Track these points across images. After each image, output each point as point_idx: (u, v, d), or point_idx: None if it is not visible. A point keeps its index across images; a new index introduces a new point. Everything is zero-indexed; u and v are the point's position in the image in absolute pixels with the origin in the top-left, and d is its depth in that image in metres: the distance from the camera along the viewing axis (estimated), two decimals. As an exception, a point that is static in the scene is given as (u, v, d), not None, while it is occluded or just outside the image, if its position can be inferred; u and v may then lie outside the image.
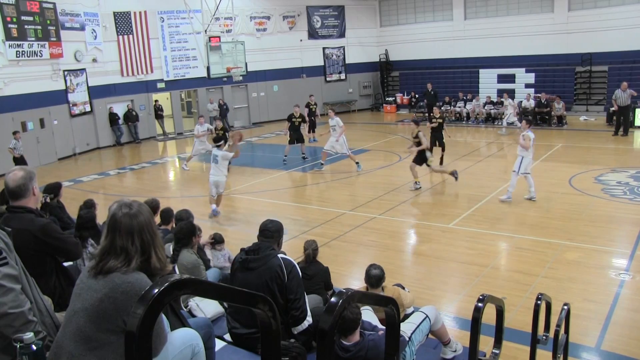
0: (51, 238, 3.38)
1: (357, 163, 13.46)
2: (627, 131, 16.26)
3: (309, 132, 17.26)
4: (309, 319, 3.71)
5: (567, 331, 4.43)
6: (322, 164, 14.01)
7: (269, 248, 3.75)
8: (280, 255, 3.72)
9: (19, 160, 13.50)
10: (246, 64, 21.15)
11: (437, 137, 13.14)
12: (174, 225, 6.11)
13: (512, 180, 10.00)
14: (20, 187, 3.27)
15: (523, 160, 9.76)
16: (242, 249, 3.88)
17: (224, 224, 9.86)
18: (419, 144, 11.24)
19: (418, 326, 4.07)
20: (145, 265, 2.17)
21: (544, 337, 3.94)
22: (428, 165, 11.40)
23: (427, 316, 4.19)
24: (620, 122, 16.26)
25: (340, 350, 3.42)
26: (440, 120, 13.17)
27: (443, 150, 13.29)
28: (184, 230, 5.04)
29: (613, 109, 16.66)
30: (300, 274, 3.81)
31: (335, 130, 13.39)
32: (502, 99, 20.21)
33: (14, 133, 14.17)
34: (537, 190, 9.98)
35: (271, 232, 3.84)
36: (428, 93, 20.67)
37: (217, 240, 6.28)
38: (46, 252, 3.40)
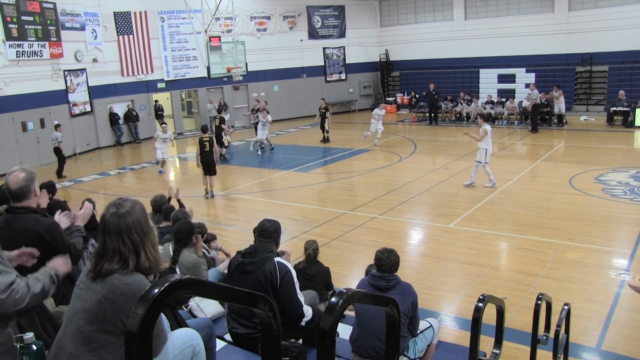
0: (56, 239, 3.37)
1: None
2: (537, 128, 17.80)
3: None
4: (307, 309, 3.71)
5: (567, 331, 4.43)
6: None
7: (266, 250, 3.71)
8: (276, 259, 3.67)
9: (59, 152, 14.72)
10: (246, 64, 21.16)
11: None
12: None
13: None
14: (22, 189, 3.24)
15: None
16: (238, 252, 3.84)
17: (224, 224, 9.87)
18: None
19: (422, 331, 4.07)
20: (137, 265, 2.15)
21: (545, 337, 3.94)
22: None
23: (431, 325, 4.20)
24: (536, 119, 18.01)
25: (382, 279, 3.91)
26: None
27: None
28: (184, 230, 5.02)
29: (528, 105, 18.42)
30: (296, 279, 3.73)
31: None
32: (504, 99, 20.22)
33: (57, 126, 14.92)
34: (538, 190, 9.96)
35: (269, 232, 3.80)
36: (430, 93, 20.68)
37: (209, 240, 6.34)
38: (49, 252, 3.38)
